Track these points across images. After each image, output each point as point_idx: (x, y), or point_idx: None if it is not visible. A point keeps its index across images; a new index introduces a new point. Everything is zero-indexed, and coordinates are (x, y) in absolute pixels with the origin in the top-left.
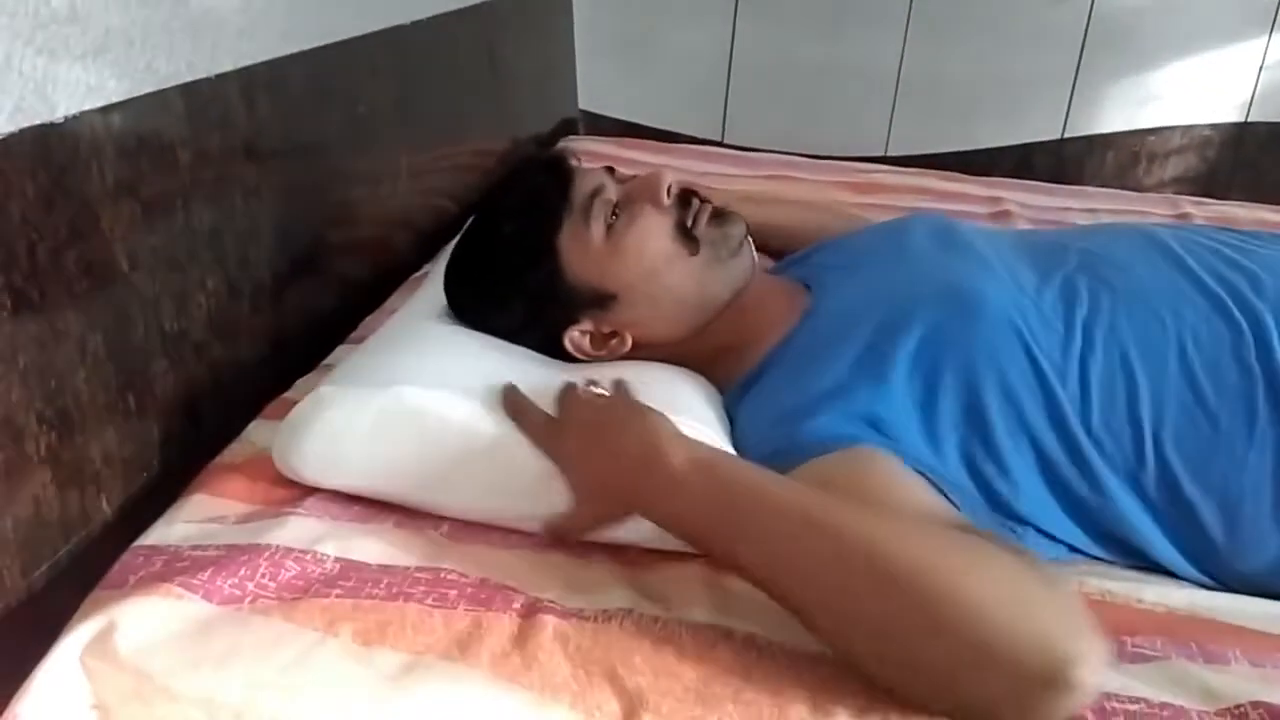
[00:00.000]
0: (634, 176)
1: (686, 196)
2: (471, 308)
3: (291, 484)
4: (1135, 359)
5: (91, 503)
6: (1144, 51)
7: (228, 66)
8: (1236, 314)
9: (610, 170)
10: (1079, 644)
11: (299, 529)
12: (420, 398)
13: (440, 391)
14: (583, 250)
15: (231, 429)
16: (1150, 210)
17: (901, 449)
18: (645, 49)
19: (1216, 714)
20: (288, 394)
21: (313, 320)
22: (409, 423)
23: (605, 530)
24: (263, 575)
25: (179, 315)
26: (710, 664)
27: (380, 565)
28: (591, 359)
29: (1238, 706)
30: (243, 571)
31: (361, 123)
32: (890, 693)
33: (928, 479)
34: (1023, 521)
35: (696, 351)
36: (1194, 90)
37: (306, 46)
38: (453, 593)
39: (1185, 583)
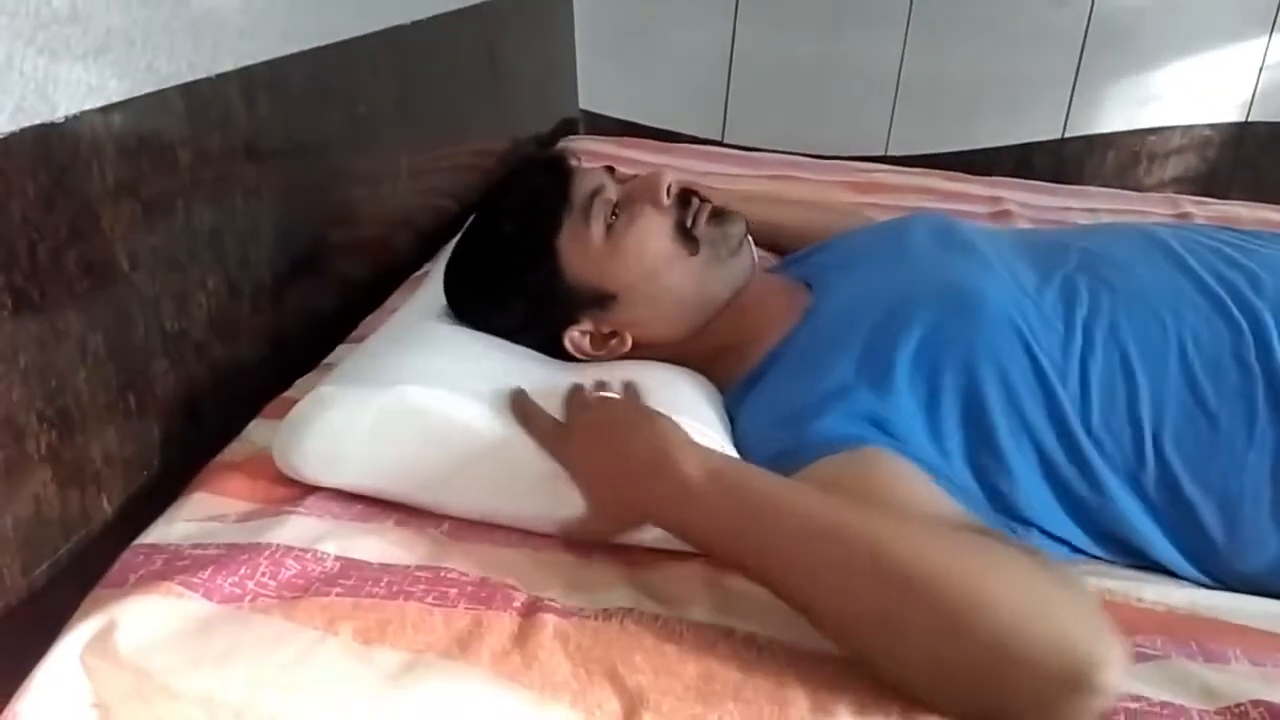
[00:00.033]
0: (634, 176)
1: (686, 196)
2: (471, 308)
3: (292, 483)
4: (1135, 359)
5: (92, 501)
6: (1144, 51)
7: (228, 66)
8: (1236, 314)
9: (610, 170)
10: (1102, 646)
11: (299, 528)
12: (421, 397)
13: (441, 391)
14: (582, 250)
15: (232, 428)
16: (1151, 210)
17: (908, 450)
18: (646, 48)
19: (1217, 713)
20: (288, 393)
21: (313, 320)
22: (409, 422)
23: (619, 537)
24: (263, 574)
25: (179, 315)
26: (711, 662)
27: (381, 564)
28: (591, 359)
29: (1238, 705)
30: (243, 570)
31: (362, 122)
32: (906, 695)
33: (934, 480)
34: (1025, 522)
35: (697, 351)
36: (1194, 90)
37: (307, 46)
38: (453, 591)
39: (1185, 582)
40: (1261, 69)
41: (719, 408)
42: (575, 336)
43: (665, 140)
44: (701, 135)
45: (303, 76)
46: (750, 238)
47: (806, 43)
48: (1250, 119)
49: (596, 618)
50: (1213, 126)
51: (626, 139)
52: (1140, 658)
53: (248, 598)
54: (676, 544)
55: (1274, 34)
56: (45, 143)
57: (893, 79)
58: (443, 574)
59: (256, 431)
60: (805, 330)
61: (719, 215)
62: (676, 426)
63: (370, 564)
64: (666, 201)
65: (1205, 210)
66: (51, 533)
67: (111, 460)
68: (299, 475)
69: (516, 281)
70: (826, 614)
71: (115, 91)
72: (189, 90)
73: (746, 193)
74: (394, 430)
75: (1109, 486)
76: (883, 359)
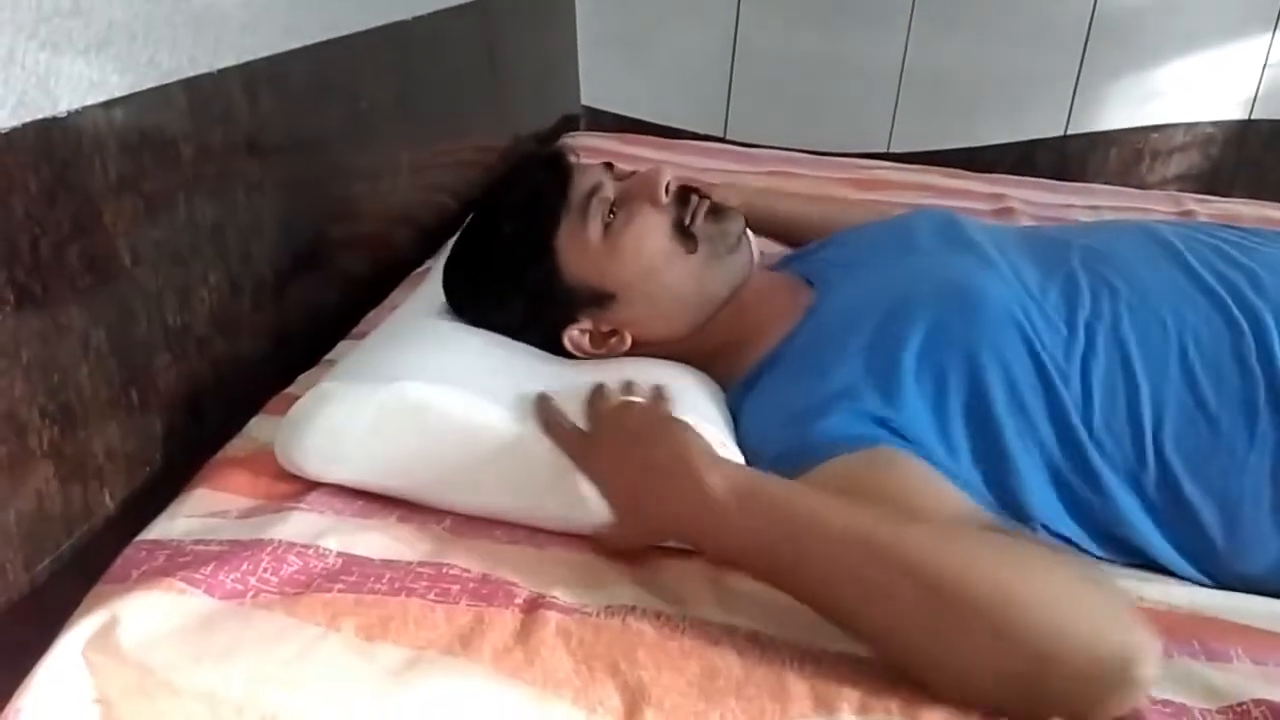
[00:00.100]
0: (633, 173)
1: (685, 194)
2: (470, 306)
3: (294, 479)
4: (1136, 360)
5: (94, 497)
6: (1147, 48)
7: (230, 61)
8: (1237, 314)
9: (609, 167)
10: (1137, 641)
11: (301, 524)
12: (422, 393)
13: (442, 387)
14: (580, 250)
15: (234, 424)
16: (1153, 207)
17: (919, 450)
18: (647, 45)
19: (1219, 712)
20: (290, 389)
21: (315, 315)
22: (411, 418)
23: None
24: (265, 570)
25: (181, 310)
26: (713, 659)
27: (383, 560)
28: (591, 357)
29: (1240, 704)
30: (245, 566)
31: (363, 118)
32: (908, 693)
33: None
34: (1030, 521)
35: (697, 349)
36: (1197, 87)
37: (308, 42)
38: (455, 588)
39: (1187, 581)
40: (1265, 66)
41: (722, 405)
42: (575, 335)
43: (666, 137)
44: (703, 132)
45: (304, 72)
46: (750, 234)
47: (808, 39)
48: (1253, 117)
49: (599, 614)
50: (1215, 124)
51: (628, 135)
52: None
53: (250, 594)
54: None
55: (1277, 32)
56: (47, 137)
57: (895, 75)
58: (445, 570)
59: (258, 427)
60: (808, 328)
61: (717, 212)
62: (699, 438)
63: (372, 560)
64: (665, 200)
65: (1208, 208)
66: (54, 528)
67: (114, 456)
68: (301, 471)
69: (515, 281)
70: (864, 626)
71: (117, 86)
72: (191, 85)
73: (766, 188)
74: (395, 426)
75: (1110, 487)
76: (888, 358)
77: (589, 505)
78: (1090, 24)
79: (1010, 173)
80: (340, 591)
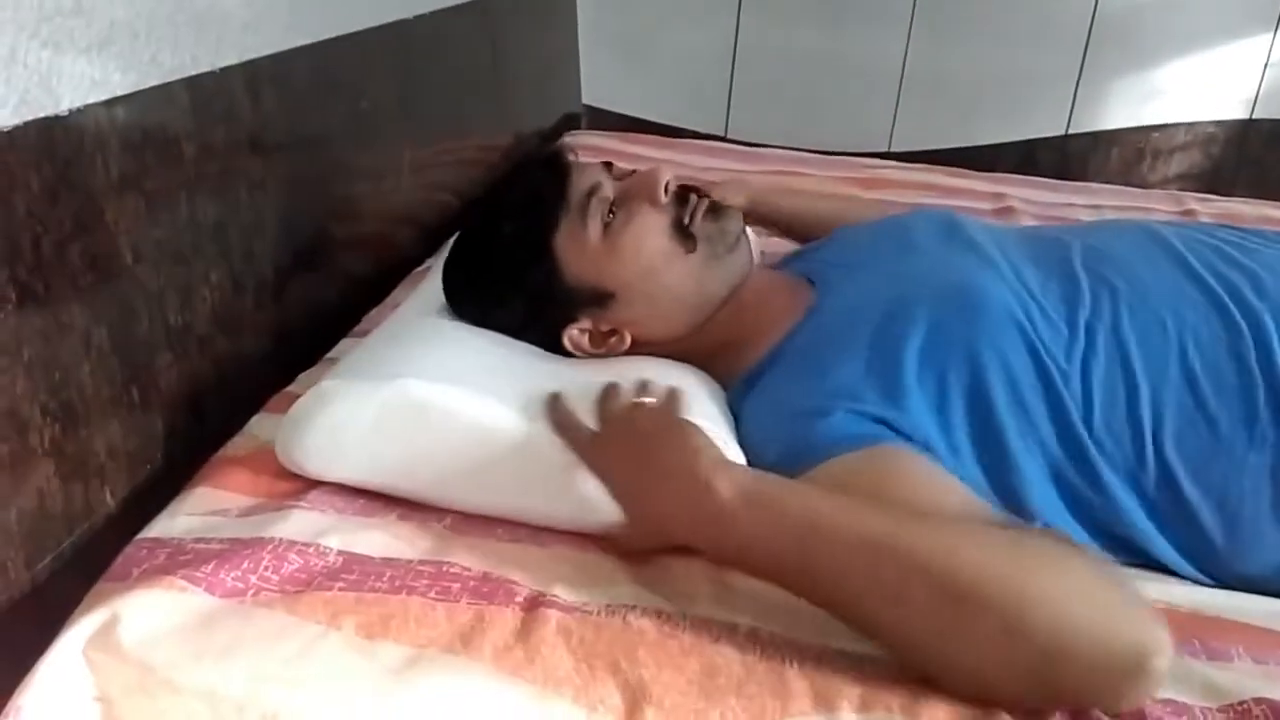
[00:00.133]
0: (632, 172)
1: (684, 193)
2: (471, 306)
3: (294, 477)
4: (1136, 360)
5: (95, 495)
6: (1148, 48)
7: (232, 60)
8: (1237, 315)
9: (608, 166)
10: (1151, 633)
11: (302, 522)
12: (423, 391)
13: (444, 385)
14: (580, 250)
15: (235, 423)
16: (1154, 207)
17: (922, 449)
18: (649, 44)
19: (1219, 710)
20: (291, 388)
21: (316, 314)
22: (412, 416)
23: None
24: (266, 568)
25: (183, 309)
26: (714, 657)
27: (383, 558)
28: (591, 357)
29: (1240, 703)
30: (246, 564)
31: (365, 117)
32: (908, 691)
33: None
34: (1032, 520)
35: (697, 348)
36: (1198, 87)
37: (310, 40)
38: (456, 586)
39: (1188, 581)
40: (1266, 66)
41: (722, 404)
42: (574, 335)
43: (667, 136)
44: (704, 131)
45: (306, 70)
46: (749, 233)
47: (810, 38)
48: (1254, 116)
49: (599, 613)
50: (1217, 123)
51: (629, 134)
52: None
53: (250, 592)
54: None
55: (1278, 31)
56: (49, 136)
57: (896, 74)
58: (446, 569)
59: (259, 426)
60: (808, 327)
61: (716, 211)
62: (708, 441)
63: (373, 558)
64: (664, 199)
65: (1209, 207)
66: (55, 526)
67: (115, 454)
68: (301, 470)
69: (515, 281)
70: (876, 626)
71: (119, 85)
72: (193, 84)
73: (783, 186)
74: (396, 424)
75: (1110, 486)
76: (890, 358)
77: (593, 505)
78: (1092, 23)
79: (1011, 172)
80: (341, 590)
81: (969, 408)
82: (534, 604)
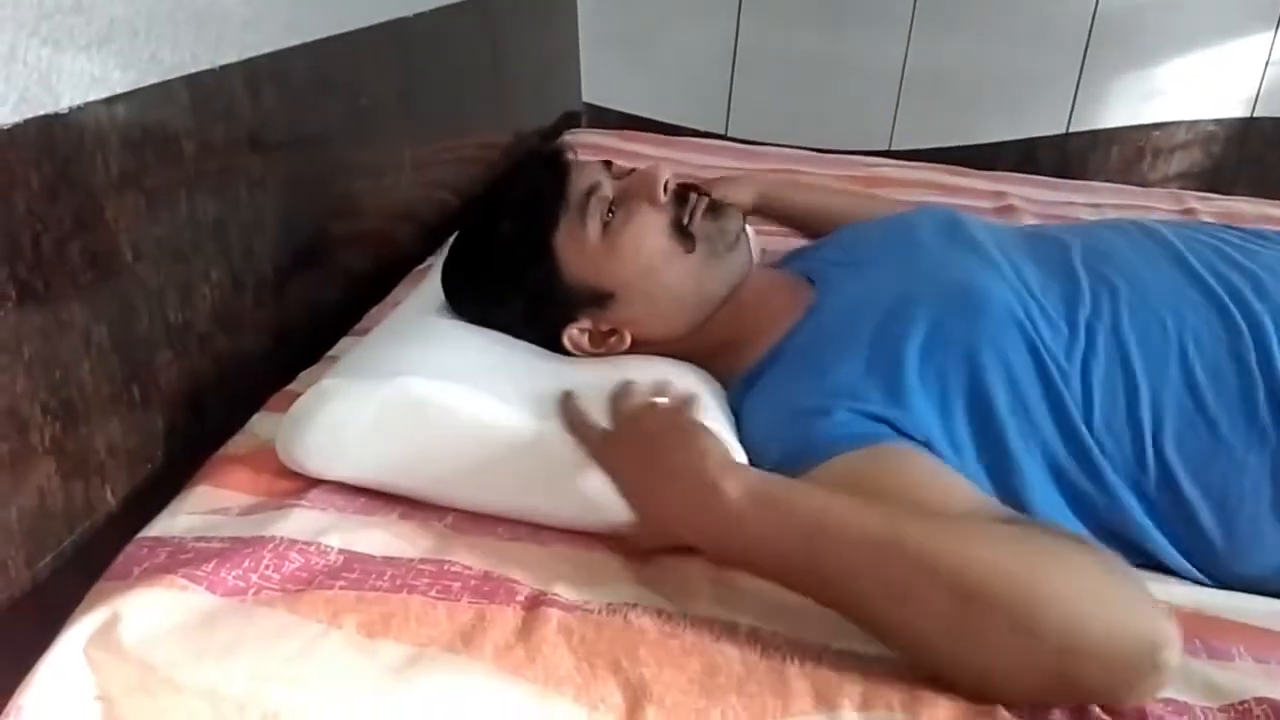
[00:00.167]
0: (632, 170)
1: (683, 192)
2: (470, 305)
3: (295, 476)
4: (1136, 360)
5: (96, 494)
6: (1149, 46)
7: (232, 58)
8: (1237, 317)
9: (607, 165)
10: (1159, 627)
11: (303, 521)
12: (424, 389)
13: (444, 383)
14: (579, 249)
15: (235, 421)
16: (1155, 205)
17: (924, 447)
18: (649, 42)
19: (1220, 710)
20: (291, 386)
21: (316, 312)
22: (413, 414)
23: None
24: (266, 567)
25: (183, 307)
26: (714, 656)
27: (384, 557)
28: (591, 356)
29: (1242, 703)
30: (246, 563)
31: (364, 115)
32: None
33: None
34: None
35: (697, 347)
36: (1199, 85)
37: (310, 38)
38: (457, 585)
39: (1189, 581)
40: (1267, 64)
41: (723, 403)
42: (574, 335)
43: (668, 134)
44: (704, 129)
45: (306, 68)
46: (749, 231)
47: (810, 36)
48: (1255, 114)
49: (600, 612)
50: (1218, 122)
51: (629, 133)
52: None
53: (251, 591)
54: None
55: (1279, 29)
56: (49, 134)
57: (897, 73)
58: (447, 567)
59: (260, 424)
60: (809, 326)
61: (715, 210)
62: (718, 443)
63: (374, 557)
64: (663, 199)
65: (1209, 206)
66: (55, 525)
67: (115, 452)
68: (302, 468)
69: (514, 280)
70: (885, 626)
71: (119, 82)
72: (193, 81)
73: (783, 179)
74: (397, 423)
75: (1113, 485)
76: (891, 358)
77: (596, 504)
78: (1092, 21)
79: (1012, 170)
80: (342, 589)
81: (969, 407)
82: (535, 603)
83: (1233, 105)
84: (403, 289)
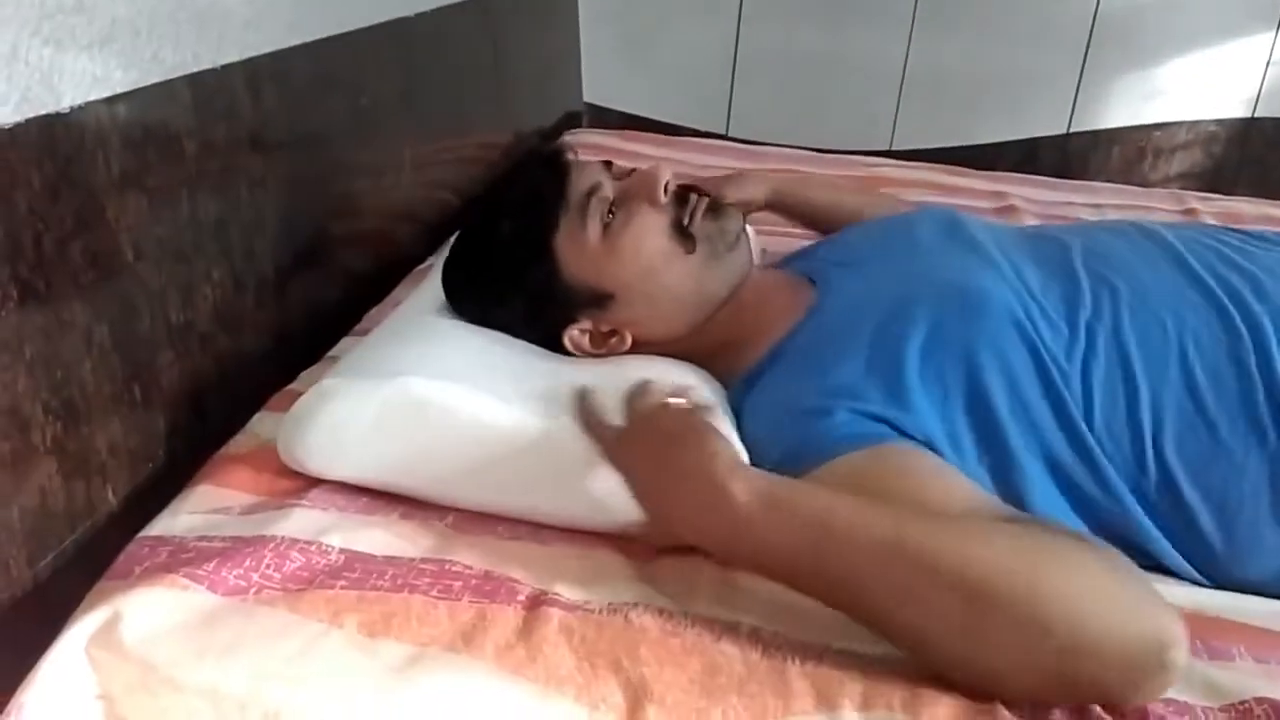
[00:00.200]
0: (632, 171)
1: (684, 193)
2: (471, 305)
3: (296, 475)
4: (1136, 362)
5: (97, 493)
6: (1150, 46)
7: (233, 57)
8: (1237, 318)
9: (608, 165)
10: (1167, 625)
11: (304, 520)
12: (425, 389)
13: (444, 383)
14: (579, 250)
15: (236, 421)
16: (1156, 206)
17: (925, 447)
18: (650, 42)
19: (1221, 710)
20: (292, 386)
21: (317, 312)
22: (413, 414)
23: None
24: (268, 566)
25: (184, 306)
26: (715, 656)
27: (385, 557)
28: (591, 357)
29: (1242, 703)
30: (248, 563)
31: (365, 114)
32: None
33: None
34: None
35: (697, 348)
36: (1200, 86)
37: (311, 38)
38: (458, 584)
39: (1188, 582)
40: (1268, 64)
41: (724, 403)
42: (574, 335)
43: (669, 134)
44: (705, 129)
45: (307, 68)
46: (750, 232)
47: (811, 37)
48: (1256, 115)
49: (601, 611)
50: (1218, 122)
51: (630, 132)
52: None
53: (252, 590)
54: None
55: None
56: (50, 133)
57: (897, 73)
58: (447, 567)
59: (261, 424)
60: (809, 327)
61: (715, 210)
62: (728, 446)
63: (375, 557)
64: (664, 199)
65: (1210, 206)
66: (57, 524)
67: (117, 452)
68: (303, 468)
69: (515, 281)
70: (892, 627)
71: (120, 82)
72: (194, 81)
73: (796, 176)
74: (397, 422)
75: (1115, 486)
76: (891, 358)
77: (599, 503)
78: (1093, 21)
79: (1013, 171)
80: (343, 588)
81: (970, 407)
82: (536, 602)
83: (1234, 105)
84: (403, 289)
